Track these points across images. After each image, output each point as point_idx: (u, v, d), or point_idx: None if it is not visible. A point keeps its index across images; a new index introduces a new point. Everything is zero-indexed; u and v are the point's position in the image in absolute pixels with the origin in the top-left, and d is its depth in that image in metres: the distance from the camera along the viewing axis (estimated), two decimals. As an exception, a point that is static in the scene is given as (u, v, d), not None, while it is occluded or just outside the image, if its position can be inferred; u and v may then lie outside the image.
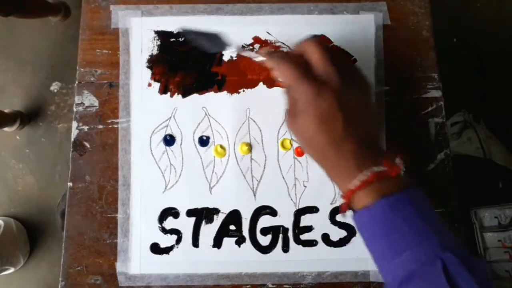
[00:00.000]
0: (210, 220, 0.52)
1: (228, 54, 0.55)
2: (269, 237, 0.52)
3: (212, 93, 0.54)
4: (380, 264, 0.39)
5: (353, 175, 0.38)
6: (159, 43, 0.55)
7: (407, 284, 0.35)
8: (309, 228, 0.52)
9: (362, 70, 0.43)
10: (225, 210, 0.52)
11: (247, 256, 0.52)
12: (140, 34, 0.55)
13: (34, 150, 1.42)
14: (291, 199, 0.53)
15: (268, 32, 0.55)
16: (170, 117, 0.54)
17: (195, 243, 0.52)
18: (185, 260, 0.52)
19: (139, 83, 0.54)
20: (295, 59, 0.41)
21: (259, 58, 0.46)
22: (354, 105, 0.39)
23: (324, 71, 0.39)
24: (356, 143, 0.38)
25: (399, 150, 0.41)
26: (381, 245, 0.38)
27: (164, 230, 0.52)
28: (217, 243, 0.52)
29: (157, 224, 0.52)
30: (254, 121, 0.54)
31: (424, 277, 0.34)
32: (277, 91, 0.54)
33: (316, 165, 0.53)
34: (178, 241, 0.52)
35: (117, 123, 0.54)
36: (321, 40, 0.41)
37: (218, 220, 0.52)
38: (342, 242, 0.52)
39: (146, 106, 0.54)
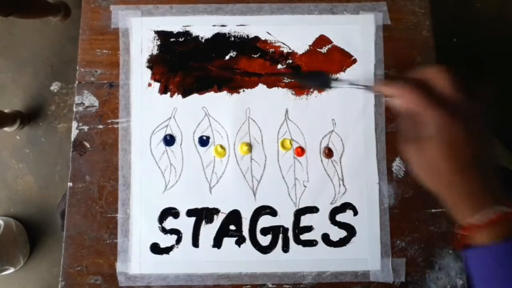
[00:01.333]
0: (210, 220, 0.52)
1: (231, 56, 0.55)
2: (269, 237, 0.52)
3: (212, 93, 0.54)
4: None
5: (476, 208, 0.37)
6: (159, 43, 0.55)
7: None
8: (309, 228, 0.52)
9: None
10: (225, 210, 0.52)
11: (247, 256, 0.52)
12: (140, 34, 0.55)
13: (34, 150, 1.42)
14: (291, 199, 0.53)
15: (268, 32, 0.55)
16: (170, 117, 0.54)
17: (195, 243, 0.52)
18: (185, 260, 0.52)
19: (139, 83, 0.54)
20: (417, 84, 0.40)
21: (377, 87, 0.46)
22: (482, 135, 0.39)
23: (455, 98, 0.39)
24: (482, 173, 0.38)
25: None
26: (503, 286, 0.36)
27: (164, 230, 0.52)
28: (217, 243, 0.52)
29: (157, 224, 0.52)
30: (254, 121, 0.54)
31: None
32: (277, 91, 0.54)
33: (316, 165, 0.53)
34: (178, 241, 0.52)
35: (117, 123, 0.54)
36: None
37: (218, 220, 0.52)
38: (342, 242, 0.52)
39: (146, 106, 0.54)
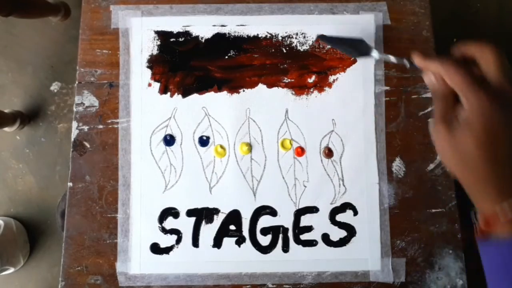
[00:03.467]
0: (210, 220, 0.52)
1: (232, 53, 0.55)
2: (269, 237, 0.52)
3: (212, 93, 0.54)
4: None
5: (503, 198, 0.35)
6: (159, 43, 0.55)
7: None
8: (309, 228, 0.52)
9: None
10: (225, 210, 0.52)
11: (247, 256, 0.52)
12: (140, 34, 0.55)
13: (34, 150, 1.42)
14: (291, 199, 0.53)
15: (268, 32, 0.55)
16: (170, 117, 0.54)
17: (195, 243, 0.52)
18: (185, 260, 0.52)
19: (139, 83, 0.54)
20: (463, 63, 0.38)
21: (408, 62, 0.44)
22: None
23: (501, 84, 0.36)
24: None
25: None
26: None
27: (164, 230, 0.52)
28: (217, 243, 0.52)
29: (157, 224, 0.52)
30: (254, 121, 0.54)
31: None
32: (277, 91, 0.54)
33: (316, 165, 0.53)
34: (178, 241, 0.52)
35: (117, 123, 0.54)
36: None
37: (218, 220, 0.52)
38: (342, 242, 0.52)
39: (146, 106, 0.54)
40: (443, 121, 0.38)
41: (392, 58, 0.47)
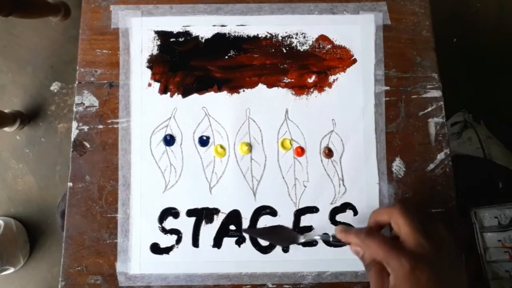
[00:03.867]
0: (210, 220, 0.52)
1: (229, 55, 0.55)
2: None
3: (212, 93, 0.54)
4: None
5: None
6: (159, 43, 0.55)
7: None
8: (309, 228, 0.52)
9: (446, 230, 0.41)
10: (225, 210, 0.52)
11: (247, 256, 0.52)
12: (140, 34, 0.55)
13: (34, 150, 1.42)
14: (291, 199, 0.53)
15: (268, 32, 0.55)
16: (170, 117, 0.54)
17: (195, 243, 0.52)
18: (185, 260, 0.52)
19: (139, 83, 0.54)
20: (378, 232, 0.39)
21: (335, 235, 0.45)
22: (449, 278, 0.38)
23: (418, 243, 0.37)
24: None
25: (461, 244, 0.39)
26: None
27: (164, 230, 0.52)
28: (217, 243, 0.52)
29: (157, 224, 0.52)
30: (254, 121, 0.54)
31: None
32: (277, 91, 0.54)
33: (316, 165, 0.53)
34: (178, 241, 0.52)
35: (117, 123, 0.54)
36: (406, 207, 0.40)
37: (218, 220, 0.52)
38: (342, 242, 0.52)
39: (146, 106, 0.54)
40: None
41: (317, 237, 0.49)
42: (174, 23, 0.55)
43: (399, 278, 0.37)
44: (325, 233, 0.50)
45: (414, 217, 0.39)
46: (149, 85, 0.54)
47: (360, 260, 0.42)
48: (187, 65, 0.55)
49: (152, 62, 0.55)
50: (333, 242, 0.46)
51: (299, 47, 0.55)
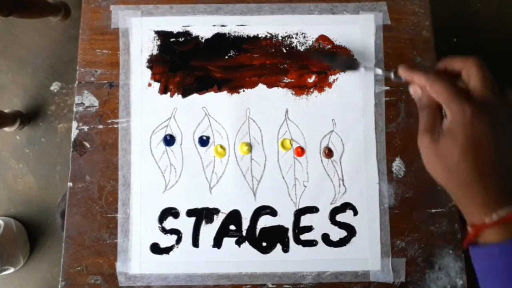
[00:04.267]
0: (210, 220, 0.52)
1: (232, 54, 0.55)
2: (269, 237, 0.52)
3: (212, 93, 0.54)
4: None
5: (491, 208, 0.35)
6: (159, 43, 0.55)
7: None
8: (309, 228, 0.52)
9: None
10: (225, 210, 0.52)
11: (247, 256, 0.52)
12: (140, 34, 0.55)
13: (34, 150, 1.42)
14: (291, 199, 0.53)
15: (268, 32, 0.55)
16: (170, 117, 0.54)
17: (195, 243, 0.52)
18: (185, 260, 0.52)
19: (139, 83, 0.54)
20: (447, 75, 0.38)
21: (401, 72, 0.44)
22: (506, 138, 0.37)
23: (484, 96, 0.37)
24: (500, 176, 0.36)
25: None
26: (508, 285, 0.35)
27: (164, 230, 0.52)
28: (217, 243, 0.52)
29: (157, 224, 0.52)
30: (254, 121, 0.54)
31: None
32: (277, 91, 0.54)
33: (316, 165, 0.53)
34: (178, 241, 0.52)
35: (117, 123, 0.54)
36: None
37: (218, 220, 0.52)
38: (342, 242, 0.52)
39: (146, 106, 0.54)
40: (428, 131, 0.38)
41: (379, 71, 0.48)
42: (174, 23, 0.55)
43: (456, 122, 0.36)
44: (388, 70, 0.47)
45: (488, 72, 0.38)
46: (149, 85, 0.54)
47: (416, 101, 0.40)
48: (187, 65, 0.55)
49: (152, 62, 0.55)
50: (393, 80, 0.45)
51: (299, 47, 0.55)
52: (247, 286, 0.52)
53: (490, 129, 0.36)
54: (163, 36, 0.55)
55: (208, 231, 0.52)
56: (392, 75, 0.45)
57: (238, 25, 0.55)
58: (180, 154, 0.53)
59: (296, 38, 0.55)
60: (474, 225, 0.37)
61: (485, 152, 0.36)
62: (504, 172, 0.36)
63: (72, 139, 0.54)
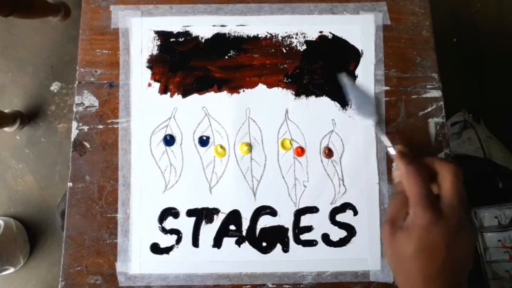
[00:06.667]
0: (210, 220, 0.52)
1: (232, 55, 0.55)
2: (269, 237, 0.52)
3: (212, 93, 0.54)
4: None
5: None
6: (159, 43, 0.55)
7: None
8: (309, 228, 0.52)
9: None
10: (225, 210, 0.52)
11: (247, 256, 0.52)
12: (140, 34, 0.55)
13: (34, 150, 1.42)
14: (291, 199, 0.53)
15: (268, 32, 0.55)
16: (170, 117, 0.54)
17: (195, 243, 0.52)
18: (185, 260, 0.52)
19: (139, 83, 0.54)
20: (425, 174, 0.40)
21: (391, 150, 0.46)
22: (460, 248, 0.38)
23: (449, 205, 0.38)
24: (446, 286, 0.37)
25: None
26: None
27: (164, 230, 0.52)
28: (217, 243, 0.52)
29: (157, 224, 0.52)
30: (254, 121, 0.54)
31: None
32: (277, 91, 0.54)
33: (316, 165, 0.53)
34: (178, 241, 0.52)
35: (117, 123, 0.54)
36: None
37: (218, 220, 0.52)
38: (342, 242, 0.52)
39: (146, 106, 0.54)
40: (390, 221, 0.40)
41: (385, 141, 0.49)
42: (174, 23, 0.55)
43: (415, 224, 0.37)
44: (390, 147, 0.47)
45: (461, 184, 0.39)
46: (149, 85, 0.54)
47: (394, 184, 0.42)
48: (187, 65, 0.55)
49: (152, 62, 0.55)
50: (386, 146, 0.48)
51: (299, 47, 0.55)
52: (247, 286, 0.52)
53: (446, 239, 0.37)
54: (163, 36, 0.55)
55: (208, 231, 0.52)
56: (392, 152, 0.46)
57: (238, 25, 0.55)
58: (180, 154, 0.53)
59: (296, 38, 0.55)
60: None
61: (436, 260, 0.37)
62: (453, 280, 0.37)
63: (72, 139, 0.54)
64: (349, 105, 0.53)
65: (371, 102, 0.53)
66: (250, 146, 0.53)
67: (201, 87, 0.54)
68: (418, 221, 0.37)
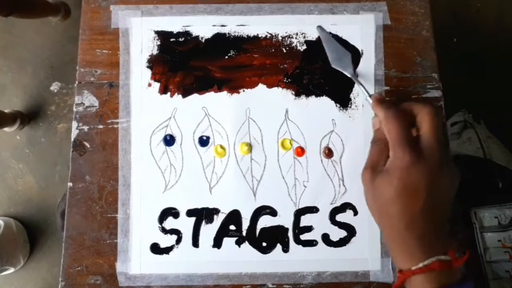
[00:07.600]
0: (210, 220, 0.52)
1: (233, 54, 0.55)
2: (269, 237, 0.52)
3: (212, 93, 0.54)
4: None
5: (417, 256, 0.37)
6: (159, 43, 0.55)
7: None
8: (309, 228, 0.52)
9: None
10: (225, 210, 0.52)
11: (247, 256, 0.52)
12: (140, 34, 0.55)
13: (34, 150, 1.42)
14: (291, 199, 0.53)
15: (268, 32, 0.55)
16: (170, 117, 0.54)
17: (195, 243, 0.52)
18: (185, 260, 0.52)
19: (139, 83, 0.54)
20: (403, 117, 0.40)
21: (370, 99, 0.46)
22: (440, 189, 0.38)
23: (428, 145, 0.38)
24: (428, 227, 0.37)
25: (463, 242, 0.40)
26: None
27: (164, 230, 0.52)
28: (217, 243, 0.52)
29: (157, 224, 0.52)
30: (254, 121, 0.54)
31: None
32: (277, 91, 0.54)
33: (316, 165, 0.53)
34: (178, 241, 0.52)
35: (117, 123, 0.54)
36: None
37: (218, 220, 0.52)
38: (342, 242, 0.52)
39: (146, 106, 0.54)
40: (370, 167, 0.40)
41: (363, 90, 0.49)
42: (174, 23, 0.55)
43: (395, 165, 0.38)
44: (370, 94, 0.47)
45: (439, 124, 0.39)
46: (149, 85, 0.54)
47: (373, 133, 0.43)
48: (187, 65, 0.55)
49: (152, 62, 0.55)
50: (365, 95, 0.48)
51: (299, 47, 0.55)
52: (247, 286, 0.52)
53: (426, 179, 0.37)
54: (163, 36, 0.55)
55: (208, 231, 0.52)
56: (369, 100, 0.46)
57: (238, 25, 0.55)
58: (180, 154, 0.53)
59: (296, 38, 0.55)
60: (400, 271, 0.38)
61: (417, 200, 0.37)
62: (435, 221, 0.38)
63: (72, 139, 0.54)
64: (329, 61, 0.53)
65: (347, 54, 0.53)
66: (250, 146, 0.53)
67: (201, 87, 0.54)
68: (398, 163, 0.37)
